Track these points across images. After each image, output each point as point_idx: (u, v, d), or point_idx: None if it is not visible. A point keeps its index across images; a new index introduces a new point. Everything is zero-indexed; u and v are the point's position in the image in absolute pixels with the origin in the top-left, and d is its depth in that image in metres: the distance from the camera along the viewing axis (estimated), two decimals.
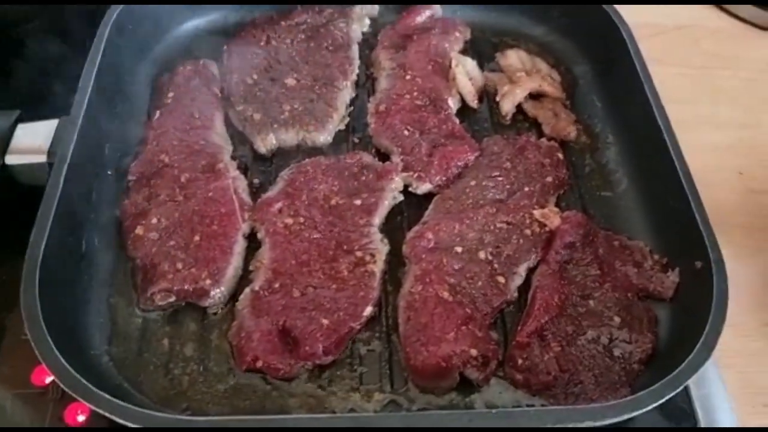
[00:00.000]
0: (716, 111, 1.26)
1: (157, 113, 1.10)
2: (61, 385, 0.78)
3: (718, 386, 0.94)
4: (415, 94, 1.13)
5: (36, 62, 1.18)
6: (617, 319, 0.93)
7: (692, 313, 0.91)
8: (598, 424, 0.76)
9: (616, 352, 0.91)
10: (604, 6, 1.19)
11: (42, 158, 0.98)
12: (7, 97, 1.13)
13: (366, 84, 1.21)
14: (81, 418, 0.88)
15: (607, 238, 1.02)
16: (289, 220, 0.99)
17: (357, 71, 1.19)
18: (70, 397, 0.83)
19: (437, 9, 1.29)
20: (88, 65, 1.05)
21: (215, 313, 0.94)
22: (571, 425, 0.75)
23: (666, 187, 1.01)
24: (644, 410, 0.78)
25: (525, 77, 1.16)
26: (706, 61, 1.33)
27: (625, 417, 0.77)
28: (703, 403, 0.92)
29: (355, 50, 1.21)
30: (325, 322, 0.89)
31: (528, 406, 0.87)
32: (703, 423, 0.91)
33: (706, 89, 1.29)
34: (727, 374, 0.95)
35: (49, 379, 0.90)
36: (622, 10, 1.19)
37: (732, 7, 1.42)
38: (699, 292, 0.91)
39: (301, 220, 0.99)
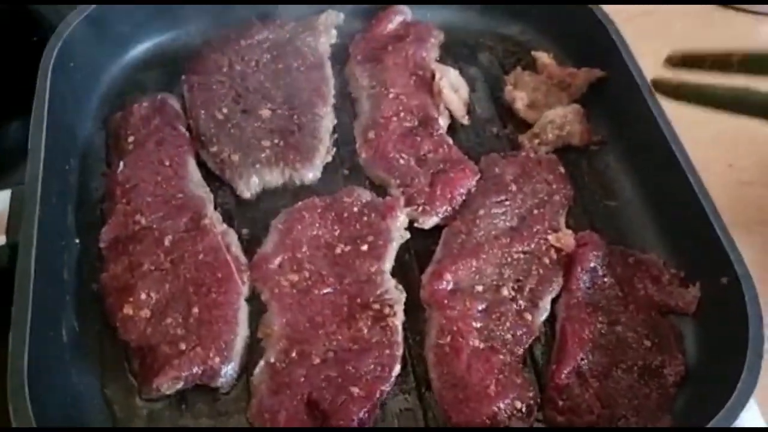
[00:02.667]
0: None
1: (121, 164, 0.97)
2: None
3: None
4: (402, 114, 1.05)
5: None
6: (647, 343, 0.91)
7: (721, 330, 0.90)
8: None
9: (652, 379, 0.88)
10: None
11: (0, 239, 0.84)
12: None
13: (345, 105, 1.11)
14: None
15: (622, 255, 0.98)
16: (294, 277, 0.90)
17: (334, 92, 1.09)
18: None
19: (407, 12, 1.20)
20: (35, 120, 0.90)
21: (228, 393, 0.85)
22: None
23: (674, 195, 0.99)
24: None
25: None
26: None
27: None
28: None
29: (328, 68, 1.11)
30: (356, 390, 0.82)
31: None
32: None
33: None
34: None
35: None
36: None
37: None
38: (725, 307, 0.89)
39: (307, 274, 0.90)
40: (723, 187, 1.13)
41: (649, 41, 1.30)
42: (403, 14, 1.19)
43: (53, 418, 0.75)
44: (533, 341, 0.90)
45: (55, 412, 0.76)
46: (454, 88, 1.10)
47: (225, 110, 1.03)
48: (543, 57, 1.15)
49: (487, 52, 1.21)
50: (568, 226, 1.01)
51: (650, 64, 1.26)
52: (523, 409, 0.83)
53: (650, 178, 1.04)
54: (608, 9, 1.31)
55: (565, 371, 0.86)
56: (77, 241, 0.92)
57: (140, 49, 1.13)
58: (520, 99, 1.10)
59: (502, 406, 0.82)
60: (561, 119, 1.07)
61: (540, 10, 1.19)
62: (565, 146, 1.09)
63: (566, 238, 0.96)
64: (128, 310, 0.85)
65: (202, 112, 1.03)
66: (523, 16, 1.21)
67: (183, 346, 0.83)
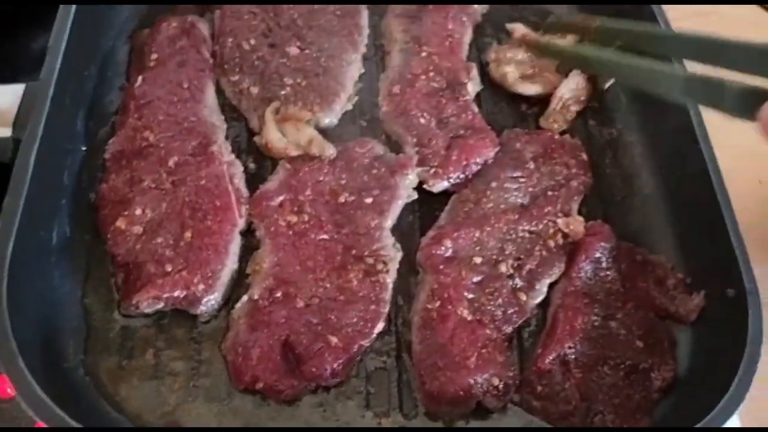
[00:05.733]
0: None
1: (139, 79, 0.95)
2: (23, 404, 0.68)
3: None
4: (432, 74, 1.02)
5: None
6: (640, 343, 0.88)
7: (718, 342, 0.87)
8: None
9: (638, 380, 0.86)
10: None
11: (6, 131, 0.84)
12: None
13: (374, 57, 1.08)
14: None
15: (629, 252, 0.95)
16: (293, 218, 0.88)
17: (366, 41, 1.06)
18: None
19: None
20: (60, 20, 0.89)
21: (207, 322, 0.84)
22: None
23: (695, 198, 0.95)
24: None
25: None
26: None
27: None
28: None
29: (364, 17, 1.08)
30: (334, 340, 0.80)
31: None
32: None
33: None
34: None
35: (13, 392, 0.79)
36: None
37: None
38: (726, 321, 0.86)
39: (306, 218, 0.89)
40: (749, 203, 1.09)
41: None
42: None
43: (28, 316, 0.75)
44: (523, 323, 0.88)
45: (31, 311, 0.76)
46: None
47: (253, 41, 1.01)
48: (519, 28, 1.11)
49: (529, 27, 1.16)
50: (580, 215, 0.98)
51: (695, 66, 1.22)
52: (500, 387, 0.81)
53: (673, 178, 1.00)
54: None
55: (550, 357, 0.84)
56: (83, 148, 0.92)
57: None
58: (510, 73, 1.06)
59: (479, 380, 0.80)
60: (575, 91, 1.04)
61: None
62: (592, 134, 1.06)
63: (576, 224, 0.93)
64: (121, 223, 0.84)
65: (230, 39, 1.01)
66: None
67: (169, 268, 0.82)
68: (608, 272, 0.92)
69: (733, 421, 0.87)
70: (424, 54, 1.04)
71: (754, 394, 0.81)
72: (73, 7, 0.91)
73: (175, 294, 0.81)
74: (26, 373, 0.67)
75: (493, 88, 1.08)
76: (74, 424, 0.66)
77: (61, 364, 0.78)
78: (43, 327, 0.78)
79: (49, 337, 0.78)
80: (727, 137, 1.14)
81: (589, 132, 1.07)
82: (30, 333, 0.73)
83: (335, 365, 0.79)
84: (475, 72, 1.05)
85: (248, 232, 0.90)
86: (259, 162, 0.96)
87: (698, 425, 0.75)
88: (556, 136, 1.02)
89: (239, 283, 0.86)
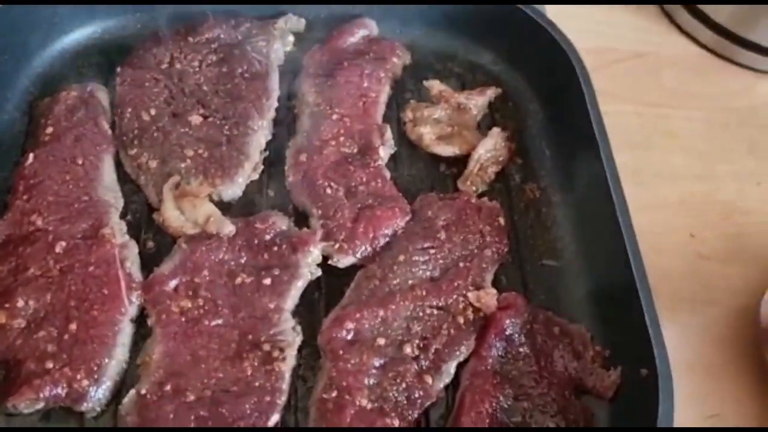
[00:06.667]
0: (670, 159, 1.15)
1: (30, 156, 0.91)
2: None
3: None
4: (342, 139, 0.99)
5: None
6: (551, 425, 0.84)
7: (634, 422, 0.84)
8: None
9: None
10: (552, 32, 1.05)
11: None
12: None
13: (287, 120, 1.04)
14: None
15: (547, 323, 0.91)
16: (187, 303, 0.85)
17: (276, 105, 1.02)
18: None
19: (372, 27, 1.12)
20: None
21: (96, 417, 0.80)
22: None
23: (614, 270, 0.91)
24: None
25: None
26: (663, 98, 1.22)
27: None
28: None
29: (274, 79, 1.04)
30: None
31: None
32: None
33: (660, 132, 1.18)
34: None
35: None
36: (574, 33, 1.06)
37: (693, 32, 1.30)
38: (641, 398, 0.83)
39: (201, 302, 0.85)
40: (680, 257, 1.07)
41: (634, 86, 1.23)
42: (367, 29, 1.11)
43: None
44: (431, 406, 0.84)
45: None
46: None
47: (153, 111, 0.97)
48: (436, 85, 1.08)
49: (453, 78, 1.13)
50: (499, 282, 0.94)
51: (630, 112, 1.19)
52: None
53: (594, 245, 0.97)
54: (600, 47, 1.25)
55: None
56: None
57: (84, 33, 1.07)
58: (426, 135, 1.03)
59: None
60: (494, 152, 1.01)
61: (514, 41, 1.11)
62: (514, 194, 1.03)
63: (487, 298, 0.89)
64: (1, 317, 0.80)
65: (129, 110, 0.97)
66: (496, 46, 1.13)
67: (50, 365, 0.78)
68: (521, 348, 0.89)
69: None
70: (335, 117, 1.00)
71: None
72: None
73: (57, 392, 0.77)
74: None
75: (411, 148, 1.05)
76: None
77: None
78: None
79: None
80: (660, 190, 1.12)
81: (510, 191, 1.04)
82: None
83: None
84: (388, 134, 1.01)
85: (143, 318, 0.86)
86: (159, 240, 0.92)
87: None
88: (473, 200, 0.98)
89: (131, 374, 0.83)
